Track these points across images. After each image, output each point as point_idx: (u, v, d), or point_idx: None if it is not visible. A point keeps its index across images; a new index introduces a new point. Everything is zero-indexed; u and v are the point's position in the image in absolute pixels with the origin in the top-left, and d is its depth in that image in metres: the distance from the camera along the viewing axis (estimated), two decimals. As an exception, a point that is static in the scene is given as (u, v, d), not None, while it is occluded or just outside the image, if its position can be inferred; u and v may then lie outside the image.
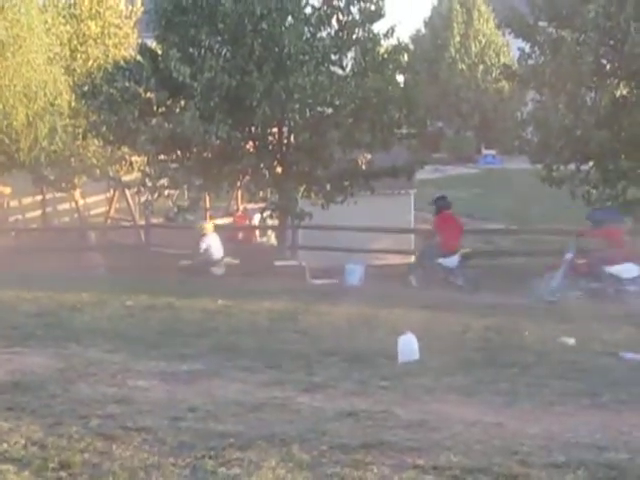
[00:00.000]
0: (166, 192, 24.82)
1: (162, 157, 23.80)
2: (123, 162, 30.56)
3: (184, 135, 21.38)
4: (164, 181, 24.01)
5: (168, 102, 22.80)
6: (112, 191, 35.08)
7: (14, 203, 34.89)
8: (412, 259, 22.34)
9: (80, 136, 27.70)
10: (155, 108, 22.97)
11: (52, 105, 28.51)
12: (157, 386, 7.60)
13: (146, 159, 25.04)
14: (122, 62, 24.36)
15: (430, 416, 6.94)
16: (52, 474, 5.31)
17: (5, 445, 5.80)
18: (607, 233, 16.86)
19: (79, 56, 31.61)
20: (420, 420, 6.79)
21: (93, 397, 7.15)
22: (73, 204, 35.31)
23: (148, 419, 6.47)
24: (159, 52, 22.98)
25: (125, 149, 27.18)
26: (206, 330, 10.45)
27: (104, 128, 23.42)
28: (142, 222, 31.22)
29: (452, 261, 19.08)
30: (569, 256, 16.88)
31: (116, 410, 6.73)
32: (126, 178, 31.71)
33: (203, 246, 21.24)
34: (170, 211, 28.41)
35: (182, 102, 22.43)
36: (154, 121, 22.65)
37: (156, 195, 24.57)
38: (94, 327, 10.55)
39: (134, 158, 28.55)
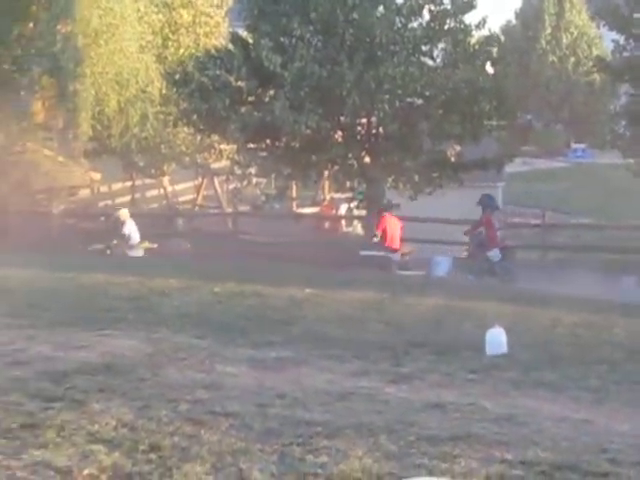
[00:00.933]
0: (254, 180, 24.98)
1: (251, 145, 23.95)
2: (212, 150, 30.81)
3: (274, 124, 21.48)
4: (253, 169, 24.17)
5: (258, 91, 22.94)
6: (200, 179, 35.41)
7: (104, 189, 35.49)
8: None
9: (170, 123, 28.03)
10: (245, 97, 23.11)
11: (143, 92, 28.92)
12: (245, 372, 7.62)
13: (235, 147, 25.23)
14: (213, 51, 24.57)
15: (518, 410, 6.85)
16: (142, 456, 5.35)
17: (96, 426, 5.86)
18: None
19: (170, 44, 31.96)
20: (508, 414, 6.71)
21: (182, 382, 7.20)
22: (162, 191, 35.75)
23: (236, 405, 6.49)
24: (250, 41, 23.12)
25: (214, 137, 27.40)
26: (294, 318, 10.47)
27: (194, 116, 23.67)
28: (229, 210, 31.49)
29: (495, 255, 20.03)
30: None
31: (204, 395, 6.77)
32: (215, 166, 31.98)
33: (125, 231, 22.83)
34: (257, 199, 28.59)
35: (272, 91, 22.54)
36: (244, 109, 22.80)
37: (245, 183, 24.76)
38: (183, 312, 10.64)
39: (223, 146, 28.82)
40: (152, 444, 5.53)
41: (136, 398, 6.64)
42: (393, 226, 21.27)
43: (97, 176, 34.58)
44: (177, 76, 24.31)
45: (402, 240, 21.44)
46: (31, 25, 25.34)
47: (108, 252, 22.82)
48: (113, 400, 6.55)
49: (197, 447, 5.51)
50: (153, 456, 5.34)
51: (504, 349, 9.30)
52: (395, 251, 20.91)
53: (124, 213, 23.86)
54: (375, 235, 21.24)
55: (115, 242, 22.95)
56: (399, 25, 22.53)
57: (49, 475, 5.02)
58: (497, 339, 9.36)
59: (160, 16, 31.64)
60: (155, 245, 23.22)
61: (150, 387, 7.01)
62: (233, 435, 5.77)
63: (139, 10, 30.19)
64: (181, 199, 37.92)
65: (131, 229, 22.98)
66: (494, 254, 20.08)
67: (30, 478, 4.97)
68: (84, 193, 35.51)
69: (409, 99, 22.96)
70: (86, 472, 5.05)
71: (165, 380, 7.28)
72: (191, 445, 5.56)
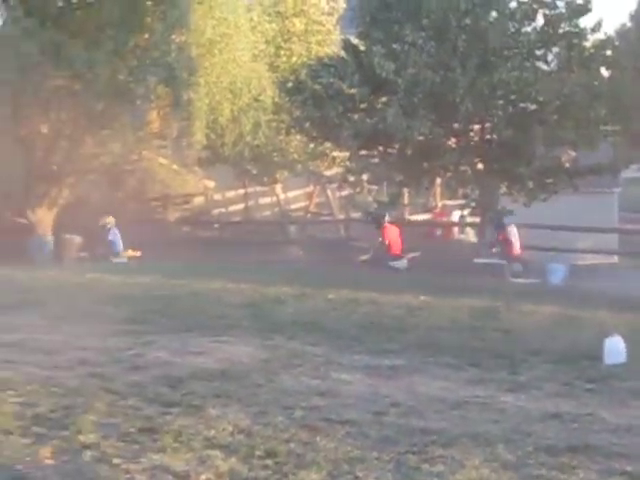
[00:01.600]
0: (366, 187, 24.97)
1: (363, 152, 23.95)
2: (324, 157, 30.88)
3: (386, 131, 21.44)
4: (365, 176, 24.15)
5: (370, 98, 22.93)
6: (312, 186, 35.53)
7: (217, 196, 35.89)
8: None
9: (283, 131, 28.21)
10: (358, 104, 23.13)
11: (256, 101, 29.17)
12: (360, 380, 7.60)
13: (348, 154, 25.25)
14: (326, 59, 24.65)
15: (638, 421, 6.68)
16: (258, 462, 5.37)
17: (213, 431, 5.91)
18: None
19: (283, 53, 32.17)
20: (627, 425, 6.55)
21: (297, 388, 7.22)
22: (274, 198, 35.96)
23: (352, 412, 6.47)
24: (362, 48, 23.12)
25: (327, 144, 27.48)
26: (408, 325, 10.41)
27: (307, 123, 23.79)
28: (341, 217, 31.53)
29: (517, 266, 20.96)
30: None
31: (320, 402, 6.77)
32: (327, 173, 32.06)
33: (110, 237, 23.61)
34: (370, 206, 28.54)
35: (384, 98, 22.50)
36: (356, 117, 22.82)
37: (357, 190, 24.76)
38: (297, 319, 10.67)
39: (335, 153, 28.85)
40: (268, 450, 5.55)
41: (252, 404, 6.67)
42: (394, 234, 22.08)
43: (211, 184, 35.04)
44: (290, 84, 24.48)
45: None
46: (146, 36, 25.75)
47: None
48: (229, 406, 6.60)
49: (313, 454, 5.51)
50: (269, 462, 5.36)
51: (623, 358, 9.08)
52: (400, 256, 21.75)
53: (110, 220, 24.46)
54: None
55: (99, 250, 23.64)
56: (512, 30, 22.28)
57: (167, 479, 5.07)
58: (616, 348, 9.15)
59: (273, 25, 31.87)
60: (138, 253, 23.82)
61: (266, 393, 7.04)
62: (349, 443, 5.75)
63: (252, 20, 30.50)
64: (293, 206, 38.10)
65: (116, 236, 23.54)
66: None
67: (149, 482, 5.04)
68: (198, 201, 35.96)
69: (523, 104, 22.68)
70: (203, 477, 5.09)
71: (280, 386, 7.31)
72: (307, 452, 5.56)
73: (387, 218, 22.68)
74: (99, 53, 24.22)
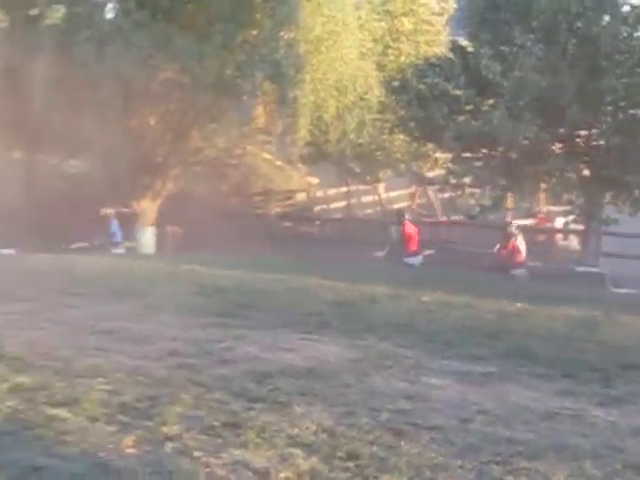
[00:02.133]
0: (468, 190, 24.75)
1: (467, 155, 23.75)
2: (427, 158, 30.73)
3: (491, 133, 21.23)
4: (467, 179, 23.94)
5: (476, 100, 22.73)
6: (414, 186, 35.39)
7: (320, 193, 36.01)
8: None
9: (387, 130, 28.14)
10: (463, 105, 22.96)
11: (362, 99, 29.17)
12: (449, 385, 7.48)
13: (451, 156, 25.08)
14: (433, 59, 24.50)
15: None
16: (339, 463, 5.32)
17: (297, 430, 5.88)
18: None
19: (390, 52, 32.12)
20: None
21: (385, 390, 7.14)
22: (376, 197, 35.94)
23: (438, 418, 6.37)
24: (469, 50, 22.92)
25: (430, 145, 27.33)
26: (501, 332, 10.22)
27: (411, 123, 23.70)
28: (443, 219, 31.33)
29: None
30: None
31: (407, 406, 6.68)
32: (429, 174, 31.90)
33: (113, 229, 24.18)
34: (472, 209, 28.28)
35: (490, 100, 22.27)
36: (461, 118, 22.64)
37: (459, 192, 24.56)
38: (389, 320, 10.56)
39: (438, 155, 28.68)
40: (350, 452, 5.49)
41: (338, 404, 6.62)
42: (413, 232, 22.74)
43: (314, 181, 35.17)
44: (396, 83, 24.42)
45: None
46: (255, 32, 25.96)
47: None
48: (315, 405, 6.56)
49: (396, 458, 5.43)
50: (350, 464, 5.30)
51: None
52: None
53: (111, 212, 24.96)
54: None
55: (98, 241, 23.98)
56: (624, 34, 21.82)
57: (247, 475, 5.06)
58: None
59: (382, 24, 31.84)
60: (134, 244, 24.30)
61: (353, 394, 6.98)
62: (433, 449, 5.65)
63: (360, 18, 30.50)
64: (395, 206, 38.02)
65: (116, 228, 24.13)
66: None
67: (228, 477, 5.02)
68: (300, 197, 36.13)
69: (632, 111, 22.19)
70: (283, 475, 5.06)
71: (368, 388, 7.23)
72: (390, 456, 5.48)
73: (407, 216, 23.82)
74: (208, 47, 24.53)
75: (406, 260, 21.97)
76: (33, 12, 24.61)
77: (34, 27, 24.85)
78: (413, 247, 22.41)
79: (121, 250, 24.18)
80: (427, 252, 23.50)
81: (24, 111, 25.49)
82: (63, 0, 24.75)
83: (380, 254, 23.79)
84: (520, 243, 21.34)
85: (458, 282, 16.29)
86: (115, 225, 24.59)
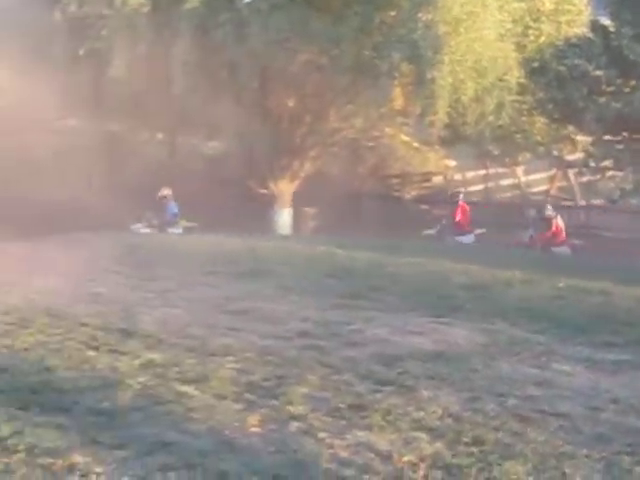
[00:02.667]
0: (609, 173, 24.18)
1: (608, 137, 23.19)
2: (567, 141, 30.11)
3: (633, 115, 20.66)
4: (608, 162, 23.41)
5: (617, 81, 22.15)
6: (554, 170, 34.74)
7: (457, 176, 35.67)
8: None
9: (526, 112, 27.68)
10: (604, 87, 22.41)
11: (501, 81, 28.67)
12: (580, 373, 7.34)
13: (591, 139, 24.54)
14: (573, 39, 23.99)
15: None
16: (464, 448, 5.29)
17: (422, 413, 5.87)
18: None
19: (530, 32, 31.42)
20: None
21: (513, 376, 7.06)
22: (515, 180, 35.42)
23: (567, 405, 6.26)
24: (611, 30, 22.35)
25: (570, 128, 26.78)
26: (637, 320, 9.98)
27: (550, 105, 23.25)
28: (582, 203, 30.71)
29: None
30: None
31: (535, 392, 6.59)
32: (569, 157, 31.27)
33: (172, 210, 23.51)
34: (613, 193, 27.61)
35: (632, 81, 21.68)
36: (602, 100, 22.12)
37: (598, 176, 24.03)
38: (522, 305, 10.41)
39: (578, 137, 28.08)
40: (475, 437, 5.46)
41: (465, 389, 6.58)
42: (465, 212, 24.39)
43: (451, 163, 34.88)
44: (535, 64, 23.99)
45: None
46: (393, 13, 25.86)
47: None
48: (442, 389, 6.54)
49: (521, 445, 5.38)
50: (474, 450, 5.27)
51: None
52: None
53: (168, 192, 24.16)
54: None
55: (155, 221, 23.60)
56: None
57: (370, 457, 5.08)
58: None
59: (522, 4, 31.19)
60: (195, 224, 23.77)
61: (480, 379, 6.92)
62: (560, 437, 5.57)
63: (500, -2, 30.02)
64: (534, 190, 37.35)
65: (174, 208, 23.69)
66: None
67: (351, 458, 5.05)
68: (437, 180, 35.89)
69: None
70: (406, 459, 5.06)
71: (496, 373, 7.16)
72: (515, 442, 5.43)
73: (461, 196, 25.42)
74: (345, 29, 24.55)
75: (457, 238, 23.25)
76: (174, -4, 25.09)
77: (174, 11, 25.31)
78: (464, 227, 23.73)
79: (179, 230, 23.98)
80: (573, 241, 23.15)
81: (166, 93, 26.01)
82: (203, -16, 25.14)
83: (430, 232, 24.93)
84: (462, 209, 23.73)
85: (596, 268, 15.97)
86: (173, 206, 24.39)
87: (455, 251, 17.53)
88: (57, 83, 26.58)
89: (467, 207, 24.55)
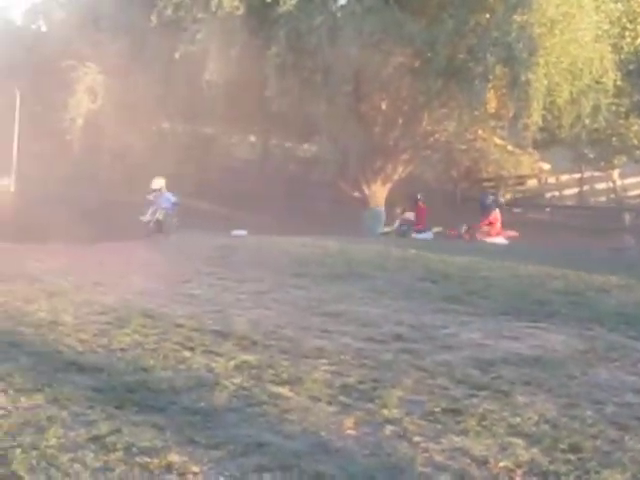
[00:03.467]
0: None
1: None
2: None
3: None
4: None
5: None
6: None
7: (552, 179, 35.31)
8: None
9: (622, 115, 27.22)
10: None
11: (597, 83, 28.24)
12: (682, 381, 7.18)
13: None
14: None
15: None
16: (560, 455, 5.21)
17: (518, 419, 5.80)
18: None
19: (627, 34, 30.90)
20: None
21: (611, 383, 6.92)
22: (610, 184, 34.89)
23: (667, 414, 6.12)
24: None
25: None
26: None
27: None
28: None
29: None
30: None
31: (634, 400, 6.45)
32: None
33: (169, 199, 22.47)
34: None
35: None
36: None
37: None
38: (620, 311, 10.22)
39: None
40: (572, 444, 5.37)
41: (562, 395, 6.48)
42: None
43: (546, 166, 34.50)
44: (632, 66, 23.56)
45: None
46: (487, 15, 25.69)
47: None
48: (538, 394, 6.45)
49: (620, 453, 5.28)
50: (572, 457, 5.18)
51: None
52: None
53: (159, 183, 23.14)
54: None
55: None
56: None
57: (465, 462, 5.03)
58: None
59: (618, 5, 30.69)
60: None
61: (577, 385, 6.80)
62: (660, 446, 5.44)
63: (596, -1, 29.56)
64: (630, 193, 36.72)
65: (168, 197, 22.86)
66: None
67: (446, 463, 5.01)
68: (531, 183, 35.55)
69: None
70: (502, 464, 5.00)
71: (594, 380, 7.03)
72: (613, 450, 5.32)
73: (419, 196, 25.59)
74: (440, 32, 24.48)
75: (416, 236, 24.05)
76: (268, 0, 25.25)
77: (269, 14, 25.49)
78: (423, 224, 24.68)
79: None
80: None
81: (259, 96, 26.22)
82: (298, -13, 25.26)
83: (388, 230, 25.75)
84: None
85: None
86: (169, 196, 23.62)
87: (549, 255, 17.29)
88: (153, 86, 27.03)
89: (424, 207, 25.22)
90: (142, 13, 27.68)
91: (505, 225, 26.25)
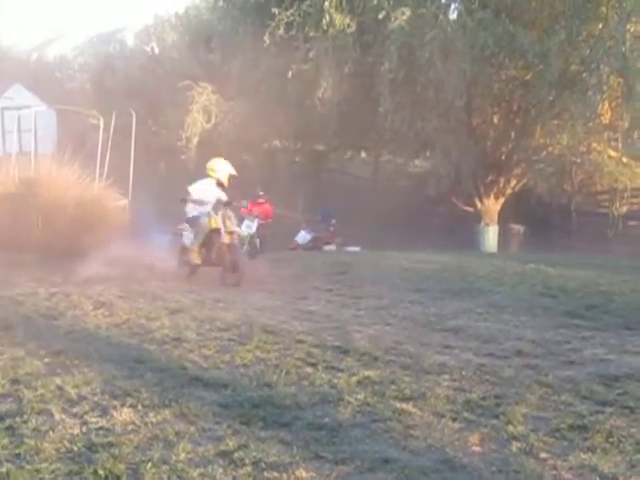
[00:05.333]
0: None
1: None
2: None
3: None
4: None
5: None
6: None
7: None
8: None
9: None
10: None
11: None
12: None
13: None
14: None
15: None
16: None
17: None
18: None
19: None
20: None
21: None
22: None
23: None
24: None
25: None
26: None
27: None
28: None
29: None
30: None
31: None
32: None
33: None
34: None
35: None
36: None
37: None
38: None
39: None
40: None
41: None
42: None
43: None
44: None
45: None
46: (600, 25, 25.31)
47: None
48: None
49: None
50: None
51: None
52: None
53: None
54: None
55: None
56: None
57: (594, 480, 4.97)
58: None
59: None
60: None
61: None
62: None
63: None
64: None
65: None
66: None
67: (575, 480, 4.96)
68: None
69: None
70: (631, 481, 4.92)
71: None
72: None
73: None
74: (552, 43, 24.19)
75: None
76: (379, 15, 25.31)
77: (380, 30, 25.58)
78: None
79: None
80: None
81: (372, 113, 26.31)
82: (408, 2, 25.27)
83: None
84: None
85: None
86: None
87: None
88: (266, 105, 27.33)
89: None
90: (254, 33, 28.06)
91: (619, 238, 25.83)
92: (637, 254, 23.08)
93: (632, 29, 25.23)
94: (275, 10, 26.50)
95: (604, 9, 25.20)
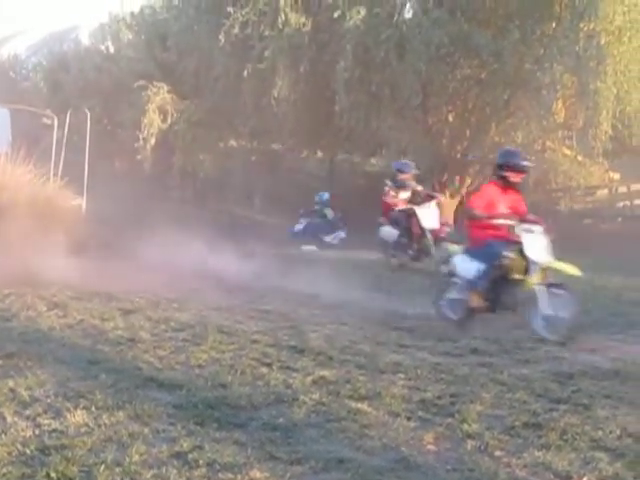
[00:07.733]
0: None
1: None
2: None
3: None
4: None
5: None
6: None
7: (622, 189, 34.79)
8: None
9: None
10: None
11: (668, 91, 27.84)
12: None
13: None
14: None
15: None
16: None
17: (600, 433, 5.73)
18: None
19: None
20: None
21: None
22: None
23: None
24: None
25: None
26: None
27: None
28: None
29: None
30: None
31: None
32: None
33: None
34: None
35: None
36: None
37: None
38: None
39: None
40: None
41: (644, 407, 6.39)
42: None
43: (616, 176, 34.03)
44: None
45: None
46: (554, 24, 25.45)
47: None
48: (619, 408, 6.38)
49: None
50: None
51: None
52: None
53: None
54: None
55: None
56: None
57: (548, 478, 4.99)
58: None
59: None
60: None
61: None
62: None
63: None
64: None
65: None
66: None
67: (529, 479, 4.97)
68: (601, 193, 35.07)
69: None
70: (585, 479, 4.94)
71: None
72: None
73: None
74: (506, 42, 24.30)
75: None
76: (335, 14, 25.29)
77: (336, 29, 25.56)
78: None
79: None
80: None
81: (327, 112, 26.28)
82: (364, 1, 25.28)
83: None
84: None
85: None
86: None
87: (623, 267, 17.02)
88: (221, 105, 27.21)
89: None
90: (210, 32, 27.92)
91: (576, 236, 25.94)
92: (594, 252, 23.26)
93: (585, 28, 25.38)
94: (230, 9, 26.37)
95: (557, 8, 25.33)
